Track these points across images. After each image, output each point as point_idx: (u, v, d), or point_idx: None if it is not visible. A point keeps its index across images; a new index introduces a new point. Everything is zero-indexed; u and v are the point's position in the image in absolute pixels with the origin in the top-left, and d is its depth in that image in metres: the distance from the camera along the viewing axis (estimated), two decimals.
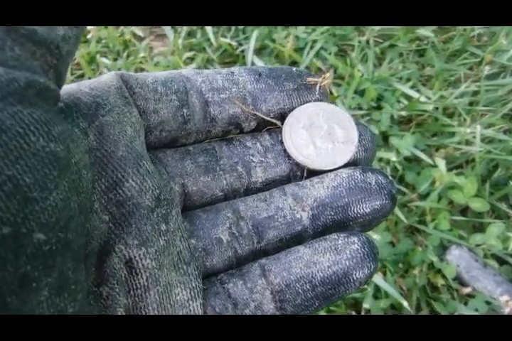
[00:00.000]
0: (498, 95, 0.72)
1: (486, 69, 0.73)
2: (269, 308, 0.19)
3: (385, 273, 0.57)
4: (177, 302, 0.18)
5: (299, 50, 0.76)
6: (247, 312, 0.19)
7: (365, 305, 0.53)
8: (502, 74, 0.75)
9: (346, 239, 0.20)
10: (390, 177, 0.22)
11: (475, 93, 0.73)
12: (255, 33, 0.76)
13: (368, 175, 0.21)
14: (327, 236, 0.20)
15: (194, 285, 0.18)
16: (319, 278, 0.19)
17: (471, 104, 0.72)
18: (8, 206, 0.11)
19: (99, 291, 0.15)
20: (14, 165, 0.11)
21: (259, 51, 0.77)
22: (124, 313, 0.16)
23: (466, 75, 0.75)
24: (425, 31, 0.76)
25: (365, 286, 0.54)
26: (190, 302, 0.18)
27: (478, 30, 0.78)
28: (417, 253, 0.59)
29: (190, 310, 0.18)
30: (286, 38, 0.76)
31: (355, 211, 0.21)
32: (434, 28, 0.78)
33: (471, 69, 0.77)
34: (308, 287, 0.19)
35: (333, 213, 0.21)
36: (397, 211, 0.61)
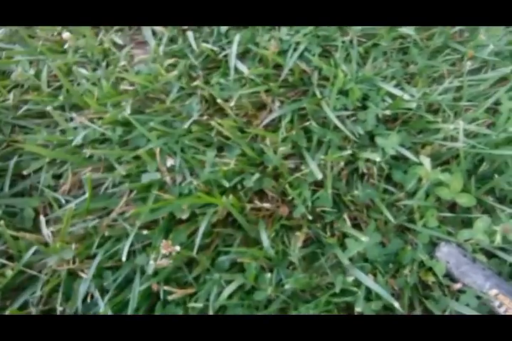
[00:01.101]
0: (480, 90, 0.73)
1: (468, 65, 0.74)
2: None
3: (375, 275, 0.58)
4: None
5: (283, 52, 0.75)
6: None
7: (357, 309, 0.54)
8: (484, 69, 0.76)
9: None
10: None
11: (458, 88, 0.74)
12: (238, 37, 0.75)
13: None
14: None
15: None
16: None
17: (454, 99, 0.73)
18: None
19: None
20: None
21: (242, 55, 0.77)
22: None
23: (449, 71, 0.75)
24: (407, 29, 0.76)
25: (356, 289, 0.55)
26: None
27: (458, 26, 0.79)
28: (407, 252, 0.60)
29: None
30: (270, 40, 0.75)
31: None
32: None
33: (453, 65, 0.77)
34: None
35: None
36: (385, 211, 0.61)
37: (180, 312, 0.56)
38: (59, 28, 0.81)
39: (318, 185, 0.64)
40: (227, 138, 0.67)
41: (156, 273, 0.57)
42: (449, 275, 0.60)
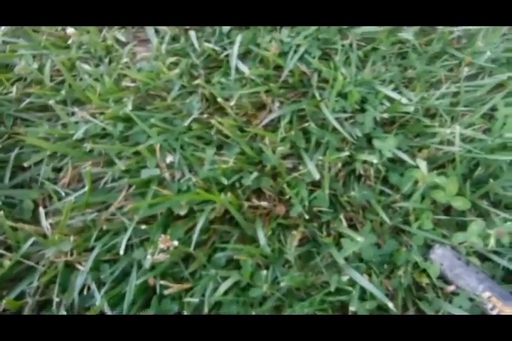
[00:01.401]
0: (477, 95, 0.74)
1: (465, 71, 0.75)
2: None
3: (370, 275, 0.59)
4: None
5: (283, 54, 0.76)
6: None
7: (352, 308, 0.55)
8: (480, 76, 0.77)
9: None
10: None
11: (455, 94, 0.75)
12: (239, 38, 0.76)
13: None
14: None
15: None
16: None
17: (451, 104, 0.74)
18: None
19: None
20: None
21: (243, 56, 0.78)
22: None
23: (446, 77, 0.77)
24: (406, 34, 0.78)
25: (351, 289, 0.55)
26: None
27: (457, 32, 0.80)
28: (401, 253, 0.60)
29: None
30: (271, 42, 0.76)
31: None
32: (416, 30, 0.80)
33: (451, 70, 0.78)
34: None
35: None
36: (381, 212, 0.62)
37: (175, 306, 0.56)
38: None
39: (316, 185, 0.65)
40: (227, 137, 0.67)
41: (152, 267, 0.58)
42: (442, 278, 0.61)
